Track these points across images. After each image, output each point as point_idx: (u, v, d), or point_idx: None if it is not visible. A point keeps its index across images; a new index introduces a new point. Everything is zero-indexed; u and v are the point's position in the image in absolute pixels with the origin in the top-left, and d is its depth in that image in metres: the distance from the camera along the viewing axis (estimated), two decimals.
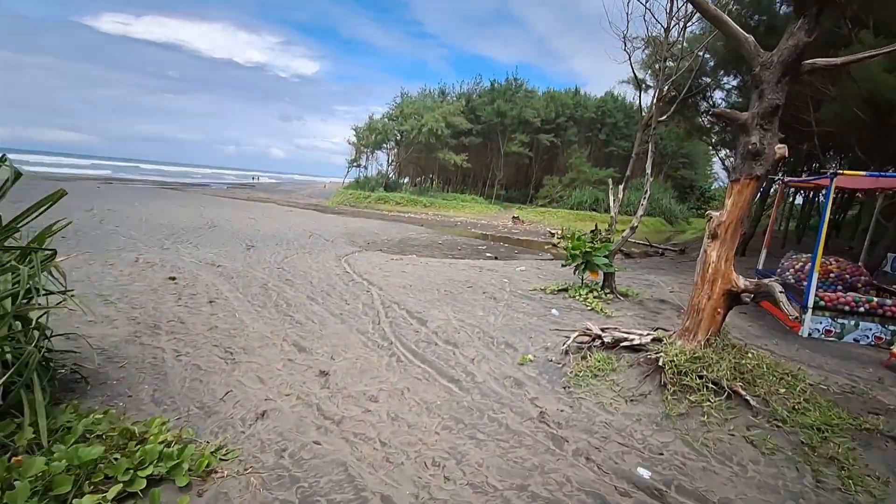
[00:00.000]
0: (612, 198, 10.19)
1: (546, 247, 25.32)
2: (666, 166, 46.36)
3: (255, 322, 6.64)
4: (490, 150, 45.42)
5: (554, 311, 7.90)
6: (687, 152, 46.46)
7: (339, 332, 6.48)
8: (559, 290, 9.59)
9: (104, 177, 53.00)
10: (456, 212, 39.92)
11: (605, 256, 8.89)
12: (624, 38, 10.98)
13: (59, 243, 11.76)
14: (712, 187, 48.99)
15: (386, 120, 42.72)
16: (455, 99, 46.23)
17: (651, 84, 17.73)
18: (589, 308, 8.32)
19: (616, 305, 8.67)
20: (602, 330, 5.47)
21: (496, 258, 19.01)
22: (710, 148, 46.17)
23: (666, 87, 11.92)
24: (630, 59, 11.31)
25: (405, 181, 51.27)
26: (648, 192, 9.15)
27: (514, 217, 38.13)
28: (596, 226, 11.42)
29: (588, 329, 5.60)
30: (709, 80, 18.19)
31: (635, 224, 9.15)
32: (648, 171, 8.85)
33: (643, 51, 15.32)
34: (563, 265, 9.73)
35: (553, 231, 32.14)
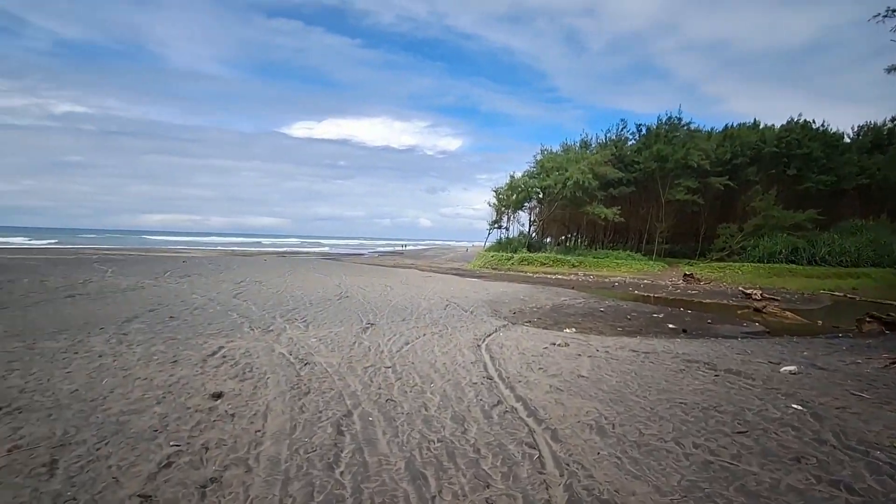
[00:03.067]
0: None
1: (739, 312, 18.05)
2: None
3: None
4: (646, 199, 38.41)
5: None
6: None
7: None
8: None
9: (283, 251, 57.47)
10: (611, 271, 33.42)
11: None
12: None
13: (160, 325, 9.31)
14: None
15: (527, 178, 38.81)
16: (599, 149, 40.82)
17: None
18: None
19: None
20: None
21: (685, 331, 13.00)
22: None
23: None
24: None
25: (548, 240, 46.18)
26: None
27: (685, 275, 30.38)
28: None
29: None
30: None
31: None
32: None
33: None
34: None
35: (749, 291, 24.01)
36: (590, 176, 34.87)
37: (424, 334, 9.98)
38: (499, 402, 5.40)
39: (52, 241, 60.59)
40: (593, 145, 42.20)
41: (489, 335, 10.37)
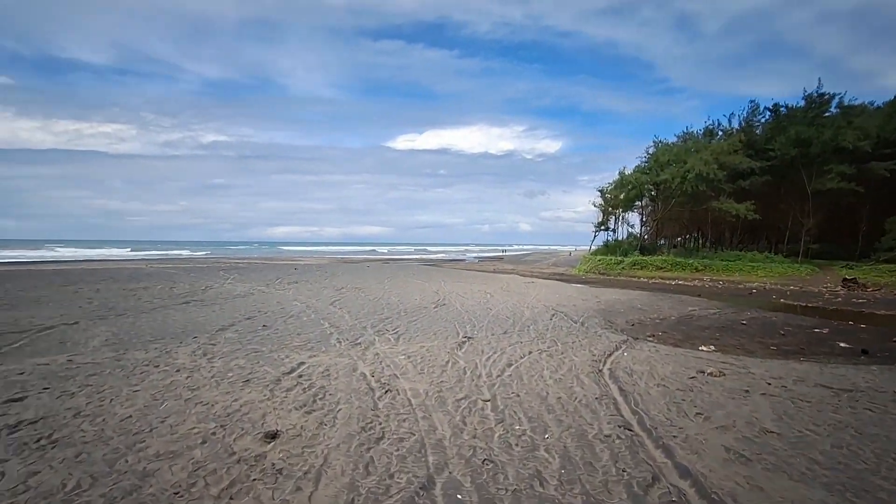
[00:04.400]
0: None
1: None
2: None
3: None
4: (786, 191, 32.31)
5: None
6: None
7: None
8: None
9: (386, 258, 58.94)
10: (745, 276, 28.40)
11: None
12: None
13: (251, 334, 8.68)
14: None
15: (638, 173, 34.78)
16: (725, 137, 35.36)
17: None
18: None
19: None
20: None
21: (865, 352, 9.69)
22: None
23: None
24: None
25: (662, 242, 41.29)
26: None
27: (845, 279, 24.68)
28: None
29: None
30: None
31: None
32: None
33: None
34: None
35: None
36: (715, 167, 30.12)
37: (530, 352, 8.22)
38: (654, 480, 3.48)
39: (207, 251, 68.91)
40: (719, 134, 36.73)
41: (609, 354, 8.31)
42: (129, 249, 70.33)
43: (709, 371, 7.17)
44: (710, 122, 39.44)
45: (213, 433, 4.31)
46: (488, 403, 5.31)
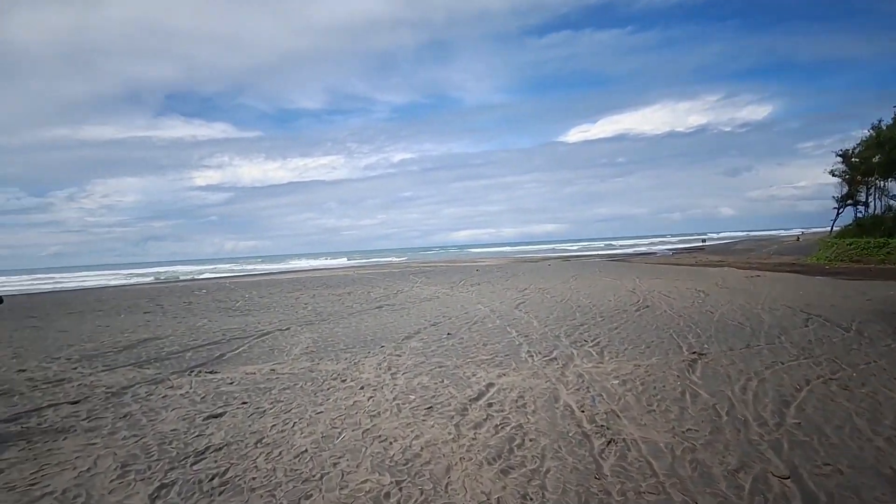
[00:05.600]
0: None
1: None
2: None
3: None
4: None
5: None
6: None
7: None
8: None
9: (567, 255, 56.06)
10: None
11: None
12: None
13: (436, 344, 7.95)
14: None
15: None
16: None
17: None
18: None
19: None
20: None
21: None
22: None
23: None
24: None
25: None
26: None
27: None
28: None
29: None
30: None
31: None
32: None
33: None
34: None
35: None
36: None
37: (808, 381, 5.49)
38: None
39: (405, 257, 76.72)
40: None
41: None
42: (346, 259, 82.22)
43: None
44: None
45: (387, 495, 3.24)
46: (792, 487, 3.15)
